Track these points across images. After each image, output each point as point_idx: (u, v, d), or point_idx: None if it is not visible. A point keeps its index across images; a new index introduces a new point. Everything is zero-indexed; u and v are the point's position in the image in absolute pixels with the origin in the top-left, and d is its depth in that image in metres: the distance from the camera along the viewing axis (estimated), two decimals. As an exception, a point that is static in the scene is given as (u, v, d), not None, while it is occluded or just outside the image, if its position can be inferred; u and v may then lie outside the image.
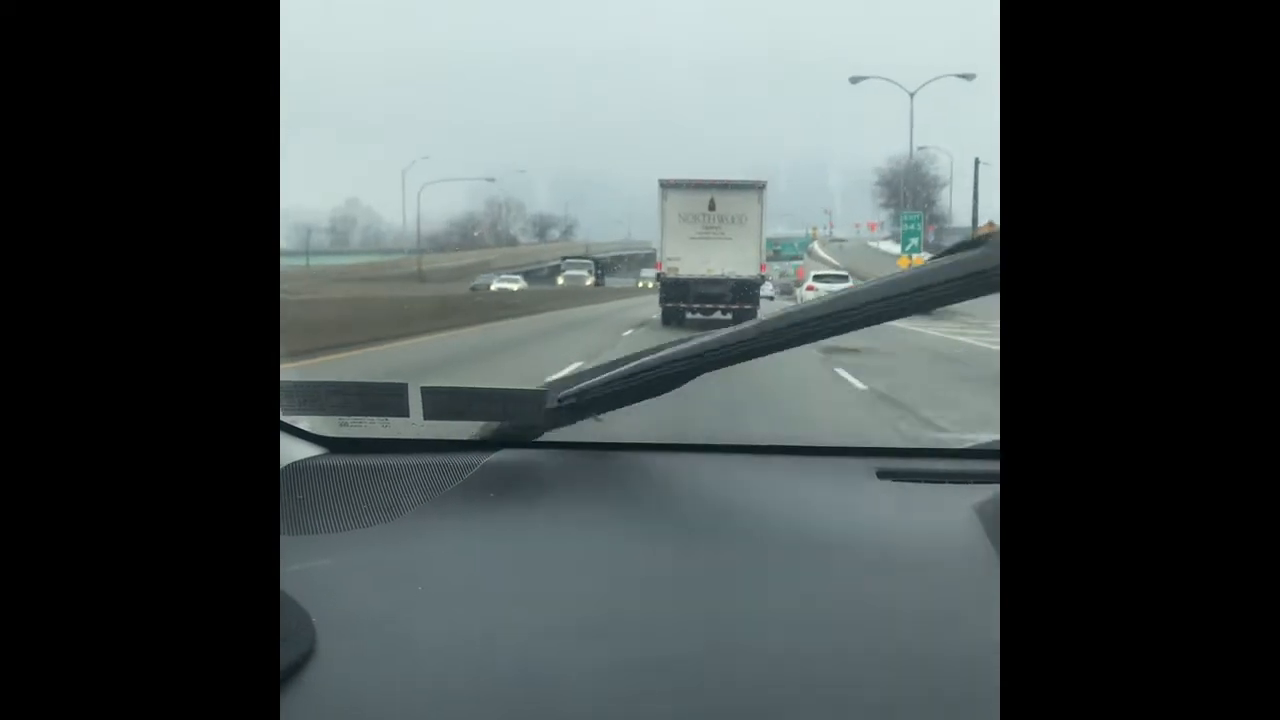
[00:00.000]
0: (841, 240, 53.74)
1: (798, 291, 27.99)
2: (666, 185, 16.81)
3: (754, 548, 0.86)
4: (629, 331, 13.53)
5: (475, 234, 79.70)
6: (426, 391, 1.08)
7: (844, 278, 25.77)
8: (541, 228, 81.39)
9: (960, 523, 0.87)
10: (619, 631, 0.69)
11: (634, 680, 0.63)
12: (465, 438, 1.18)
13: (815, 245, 50.41)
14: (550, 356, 10.01)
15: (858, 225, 75.21)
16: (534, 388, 1.07)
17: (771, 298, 28.21)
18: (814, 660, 0.65)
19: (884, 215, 79.11)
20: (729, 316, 15.32)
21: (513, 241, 78.40)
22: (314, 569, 0.72)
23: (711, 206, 17.44)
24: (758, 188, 17.18)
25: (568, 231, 79.37)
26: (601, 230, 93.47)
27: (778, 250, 77.00)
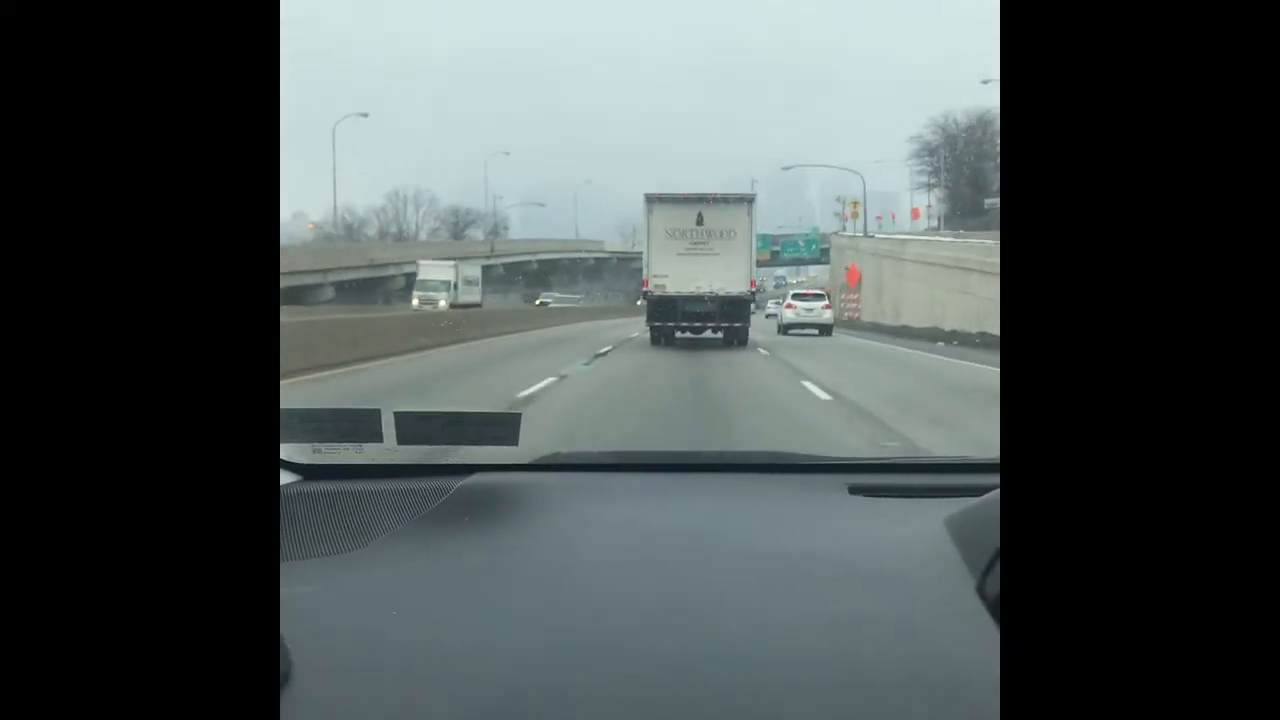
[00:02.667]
0: (872, 236, 46.15)
1: (780, 310, 29.74)
2: (652, 199, 17.41)
3: (728, 566, 0.94)
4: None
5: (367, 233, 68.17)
6: (400, 416, 1.13)
7: (820, 297, 27.90)
8: (459, 225, 75.32)
9: (930, 536, 0.95)
10: (592, 652, 0.75)
11: (608, 699, 0.68)
12: (440, 461, 1.24)
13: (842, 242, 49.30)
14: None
15: (880, 217, 68.37)
16: (507, 411, 1.10)
17: (774, 315, 30.19)
18: (786, 674, 0.70)
19: (926, 199, 70.05)
20: (719, 335, 16.80)
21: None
22: (294, 596, 0.76)
23: (699, 221, 17.72)
24: (747, 200, 17.68)
25: (495, 231, 74.21)
26: (551, 227, 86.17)
27: (776, 252, 70.93)
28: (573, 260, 78.20)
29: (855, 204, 59.94)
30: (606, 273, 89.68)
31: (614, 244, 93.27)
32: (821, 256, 70.83)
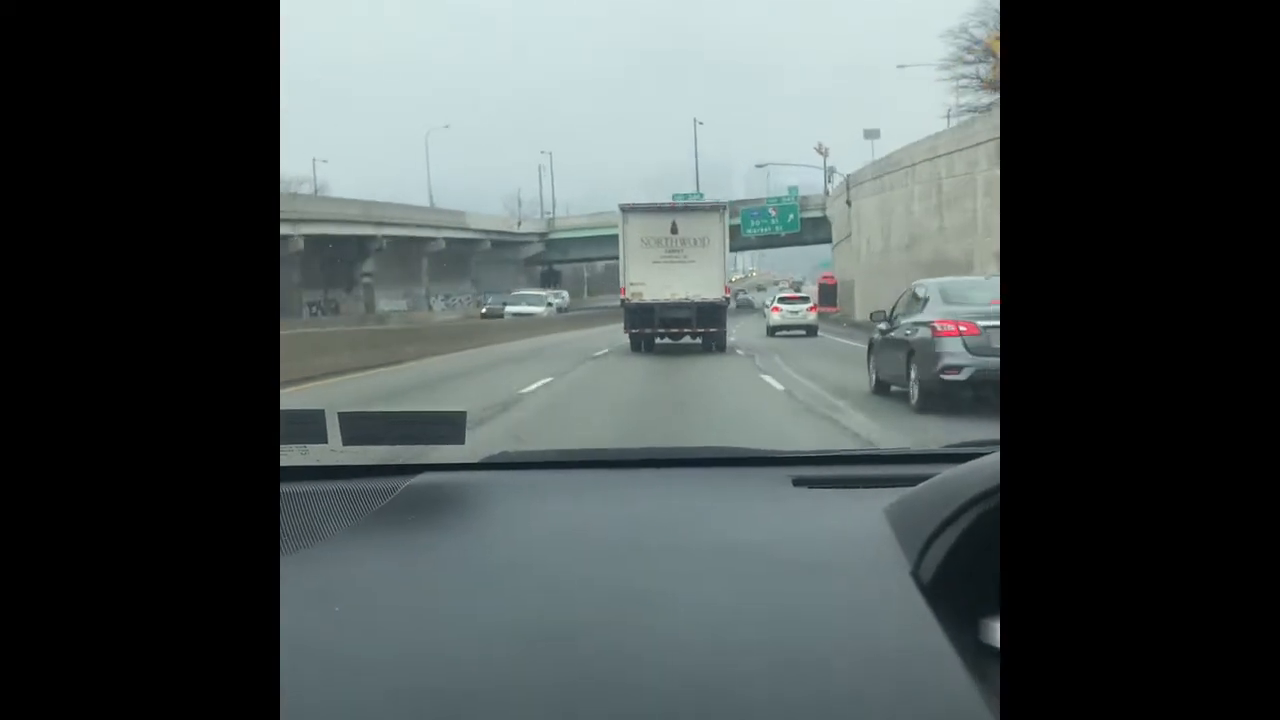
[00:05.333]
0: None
1: (767, 313, 32.15)
2: (627, 210, 20.12)
3: (673, 559, 1.03)
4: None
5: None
6: (344, 417, 1.21)
7: (805, 299, 30.83)
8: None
9: (870, 524, 1.04)
10: (540, 648, 0.81)
11: (556, 695, 0.74)
12: (387, 462, 1.34)
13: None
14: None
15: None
16: (452, 409, 1.24)
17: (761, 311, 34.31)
18: (730, 660, 0.78)
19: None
20: (697, 340, 19.37)
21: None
22: None
23: (674, 230, 19.15)
24: (720, 209, 20.35)
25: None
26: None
27: (735, 227, 50.94)
28: (399, 240, 55.04)
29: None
30: (474, 262, 57.67)
31: (491, 219, 61.24)
32: (803, 231, 57.20)
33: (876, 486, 1.23)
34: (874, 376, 10.83)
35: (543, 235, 70.25)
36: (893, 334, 10.11)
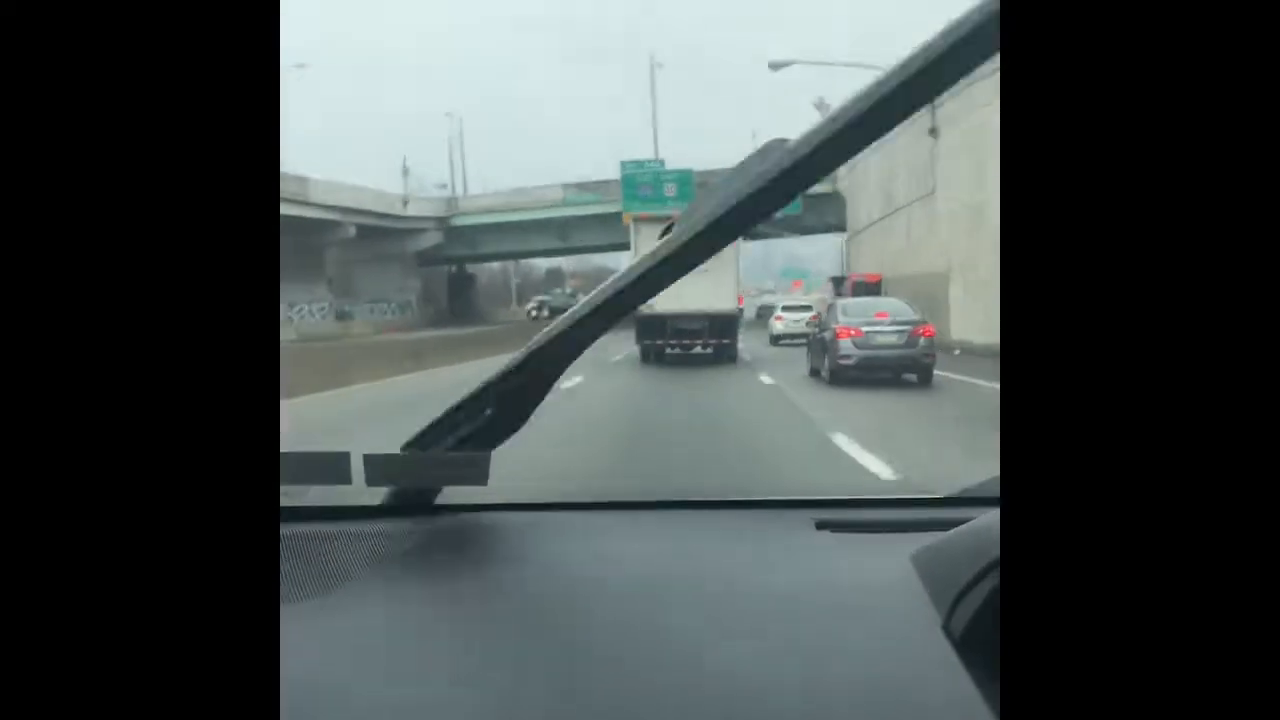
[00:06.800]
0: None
1: (771, 322, 34.84)
2: (639, 221, 21.29)
3: (699, 605, 1.07)
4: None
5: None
6: (368, 459, 1.21)
7: (808, 308, 32.44)
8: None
9: (897, 572, 1.08)
10: (561, 695, 0.85)
11: None
12: (410, 502, 1.41)
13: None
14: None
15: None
16: (477, 451, 1.26)
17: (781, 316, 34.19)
18: (752, 710, 0.82)
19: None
20: (709, 351, 20.97)
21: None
22: None
23: None
24: None
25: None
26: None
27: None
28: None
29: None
30: (331, 257, 36.28)
31: (356, 194, 39.01)
32: (805, 214, 42.53)
33: (904, 531, 1.26)
34: (809, 365, 18.33)
35: (442, 220, 56.43)
36: (818, 335, 17.49)
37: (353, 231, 47.96)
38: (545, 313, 50.37)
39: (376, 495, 1.30)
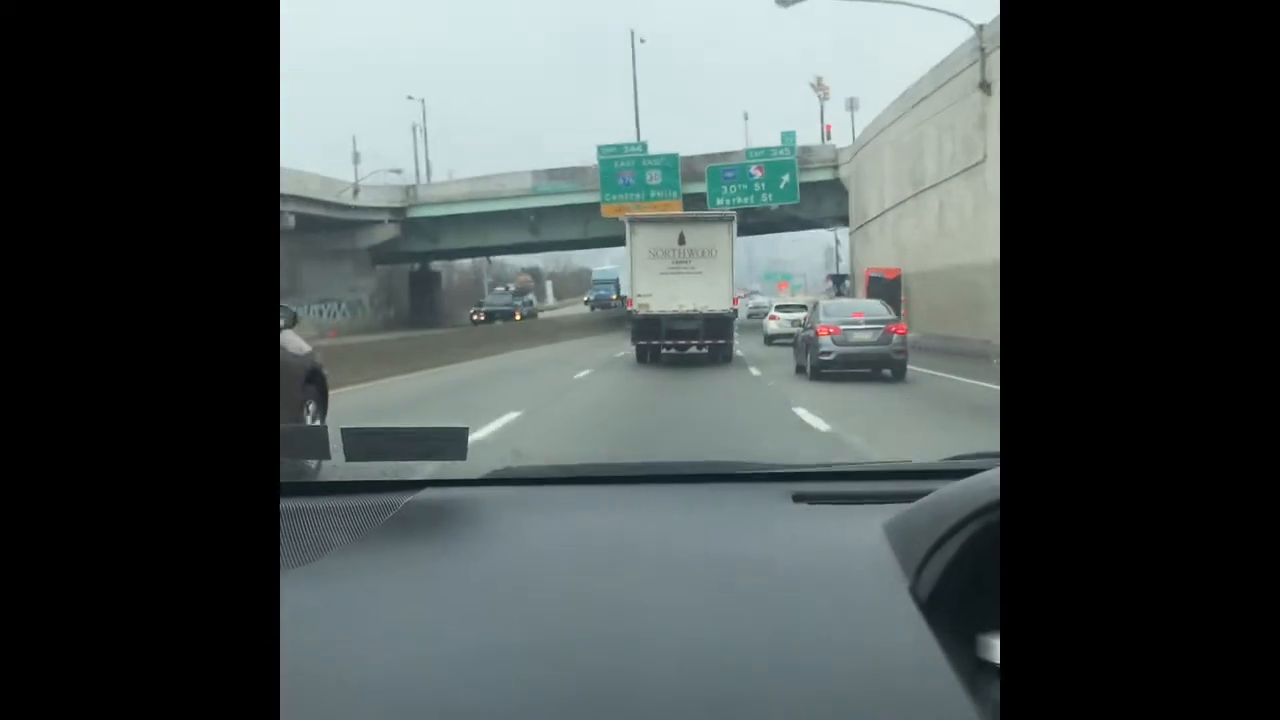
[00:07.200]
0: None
1: (765, 322, 35.47)
2: (635, 221, 21.84)
3: (674, 576, 1.15)
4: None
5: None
6: (346, 433, 1.33)
7: (802, 308, 31.25)
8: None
9: (870, 541, 1.17)
10: (539, 665, 0.92)
11: (558, 710, 0.84)
12: (389, 478, 1.51)
13: None
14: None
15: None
16: (454, 425, 1.39)
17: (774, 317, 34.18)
18: (728, 676, 0.89)
19: None
20: (704, 351, 21.75)
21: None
22: None
23: (681, 240, 20.10)
24: (727, 220, 21.73)
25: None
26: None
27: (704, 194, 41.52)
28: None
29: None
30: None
31: (297, 179, 33.45)
32: (802, 203, 38.53)
33: (876, 502, 1.38)
34: (796, 362, 19.70)
35: (398, 211, 51.58)
36: (804, 334, 18.65)
37: (291, 222, 41.80)
38: (484, 317, 46.79)
39: (358, 470, 1.36)
